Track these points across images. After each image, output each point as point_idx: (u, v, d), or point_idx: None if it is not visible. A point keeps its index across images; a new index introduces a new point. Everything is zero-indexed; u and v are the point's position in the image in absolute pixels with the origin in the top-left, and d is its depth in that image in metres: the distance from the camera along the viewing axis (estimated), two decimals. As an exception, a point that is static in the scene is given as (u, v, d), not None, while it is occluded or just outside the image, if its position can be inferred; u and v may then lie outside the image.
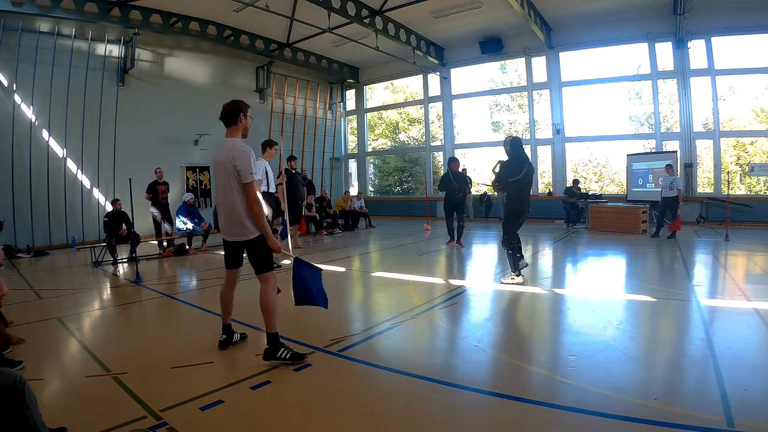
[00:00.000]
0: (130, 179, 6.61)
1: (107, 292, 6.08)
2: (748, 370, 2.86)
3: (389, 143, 19.26)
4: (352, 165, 18.99)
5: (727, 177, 10.67)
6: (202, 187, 13.08)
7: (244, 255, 3.36)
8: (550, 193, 14.16)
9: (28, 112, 9.93)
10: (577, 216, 12.16)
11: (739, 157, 13.26)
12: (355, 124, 18.52)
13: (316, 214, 12.14)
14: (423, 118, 17.08)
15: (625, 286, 5.61)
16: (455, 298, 4.97)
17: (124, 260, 8.18)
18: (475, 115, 16.93)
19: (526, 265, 5.75)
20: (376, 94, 18.72)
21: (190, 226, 9.05)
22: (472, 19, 12.70)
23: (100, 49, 10.94)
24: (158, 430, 2.31)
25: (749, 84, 12.34)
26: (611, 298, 4.85)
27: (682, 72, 11.83)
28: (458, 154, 15.93)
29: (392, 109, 18.77)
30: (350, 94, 18.44)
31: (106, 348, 3.67)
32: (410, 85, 18.22)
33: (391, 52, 13.35)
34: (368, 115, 18.56)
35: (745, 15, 10.68)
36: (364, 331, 3.97)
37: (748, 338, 3.49)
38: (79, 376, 3.07)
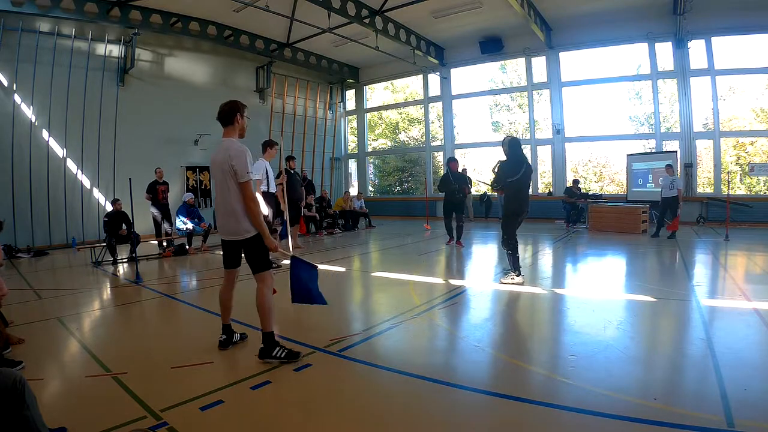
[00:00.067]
0: (130, 179, 6.62)
1: (107, 292, 6.08)
2: (748, 370, 2.86)
3: (389, 143, 19.26)
4: (352, 165, 18.99)
5: (727, 177, 10.67)
6: (202, 187, 13.08)
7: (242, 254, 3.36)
8: (550, 193, 14.16)
9: (28, 112, 9.93)
10: (577, 216, 12.16)
11: (739, 157, 13.26)
12: (355, 124, 18.52)
13: (316, 214, 12.14)
14: (423, 118, 17.08)
15: (625, 286, 5.61)
16: (455, 298, 4.97)
17: (124, 260, 8.19)
18: (475, 115, 16.95)
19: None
20: (376, 94, 18.72)
21: (190, 226, 9.05)
22: (472, 19, 12.70)
23: (100, 49, 10.94)
24: (158, 430, 2.31)
25: (749, 84, 12.34)
26: (611, 298, 4.85)
27: (682, 72, 11.83)
28: (458, 154, 15.93)
29: (392, 109, 18.77)
30: (350, 94, 18.44)
31: (106, 348, 3.67)
32: (410, 85, 18.23)
33: (391, 52, 13.35)
34: (368, 115, 18.56)
35: (745, 15, 10.68)
36: (364, 331, 3.97)
37: (748, 338, 3.49)
38: (79, 376, 3.07)
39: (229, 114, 3.25)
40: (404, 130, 19.00)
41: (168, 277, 6.94)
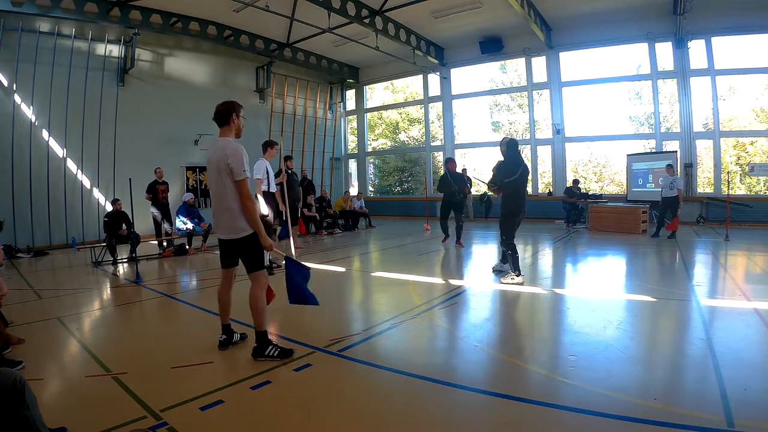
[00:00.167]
0: (130, 179, 6.62)
1: (107, 292, 6.08)
2: (748, 370, 2.86)
3: (389, 143, 19.26)
4: (352, 165, 18.99)
5: (727, 177, 10.67)
6: (202, 187, 13.07)
7: None
8: (550, 193, 14.15)
9: (28, 112, 9.92)
10: (577, 216, 12.16)
11: (739, 157, 13.26)
12: (355, 124, 18.51)
13: (316, 214, 12.14)
14: (423, 118, 17.08)
15: (625, 286, 5.61)
16: (455, 298, 4.97)
17: (124, 260, 8.18)
18: (475, 115, 16.95)
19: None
20: (376, 94, 18.72)
21: (190, 226, 9.05)
22: (472, 19, 12.69)
23: (100, 49, 10.93)
24: (158, 430, 2.31)
25: (749, 84, 12.34)
26: (611, 298, 4.85)
27: (682, 72, 11.83)
28: (458, 154, 15.93)
29: (392, 109, 18.77)
30: (350, 94, 18.44)
31: (106, 348, 3.67)
32: (410, 85, 18.22)
33: (391, 52, 13.35)
34: (368, 115, 18.55)
35: (745, 15, 10.68)
36: (364, 331, 3.97)
37: (748, 338, 3.49)
38: (79, 376, 3.07)
39: (225, 114, 3.27)
40: (404, 130, 18.99)
41: (168, 277, 6.94)
